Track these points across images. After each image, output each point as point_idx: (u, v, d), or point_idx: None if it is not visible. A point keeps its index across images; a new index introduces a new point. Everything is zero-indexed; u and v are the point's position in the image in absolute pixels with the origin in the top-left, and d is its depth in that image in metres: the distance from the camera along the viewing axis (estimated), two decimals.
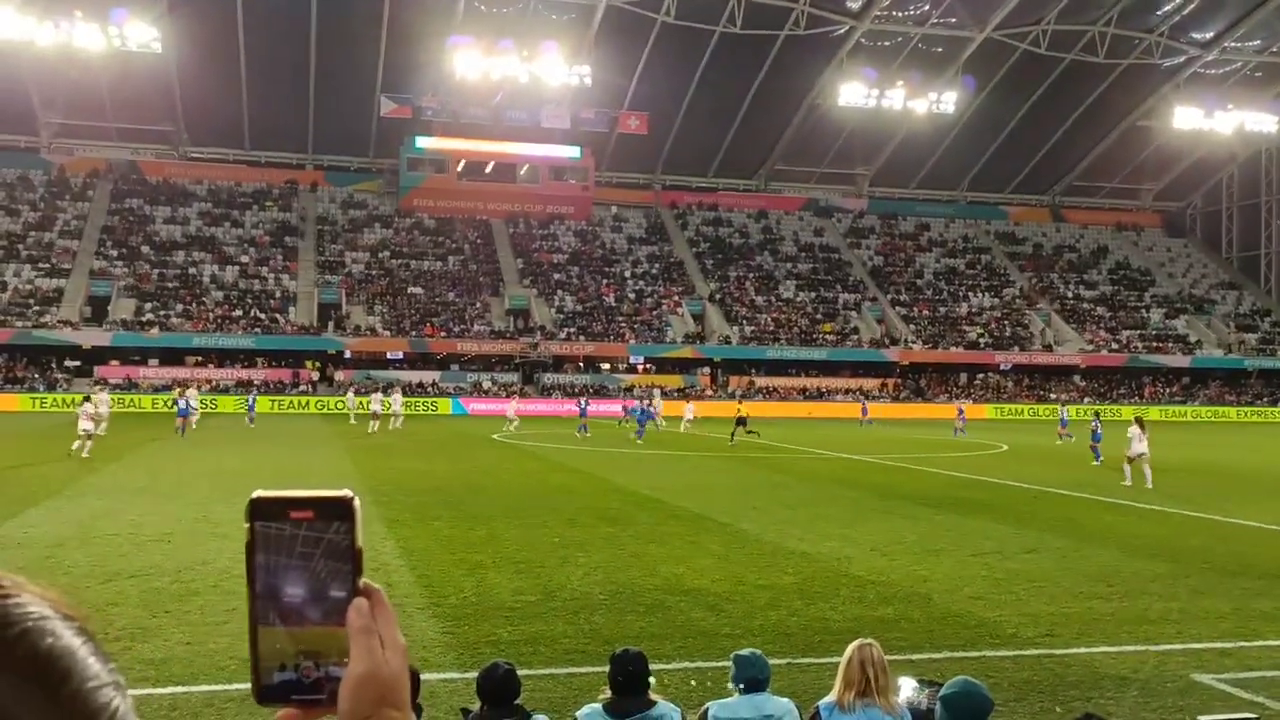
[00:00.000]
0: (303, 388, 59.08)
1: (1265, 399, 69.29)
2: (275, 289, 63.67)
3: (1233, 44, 65.99)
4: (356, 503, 1.02)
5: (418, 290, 65.50)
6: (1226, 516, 18.46)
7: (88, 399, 29.20)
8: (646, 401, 43.02)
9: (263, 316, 60.98)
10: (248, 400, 45.75)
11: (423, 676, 8.16)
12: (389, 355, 61.73)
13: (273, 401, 55.43)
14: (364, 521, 1.03)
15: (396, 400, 43.72)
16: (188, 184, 70.43)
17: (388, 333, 61.35)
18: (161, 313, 59.70)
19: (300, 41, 61.39)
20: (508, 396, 51.83)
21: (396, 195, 71.53)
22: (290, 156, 72.01)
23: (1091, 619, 10.56)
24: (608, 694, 5.17)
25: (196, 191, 70.13)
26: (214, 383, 57.52)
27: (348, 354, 61.32)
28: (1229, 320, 74.35)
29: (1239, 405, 67.68)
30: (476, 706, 5.27)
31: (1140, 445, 24.35)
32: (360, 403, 45.94)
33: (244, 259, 65.51)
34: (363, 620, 1.01)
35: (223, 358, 59.68)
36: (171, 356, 59.05)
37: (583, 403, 43.14)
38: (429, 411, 57.22)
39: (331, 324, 61.15)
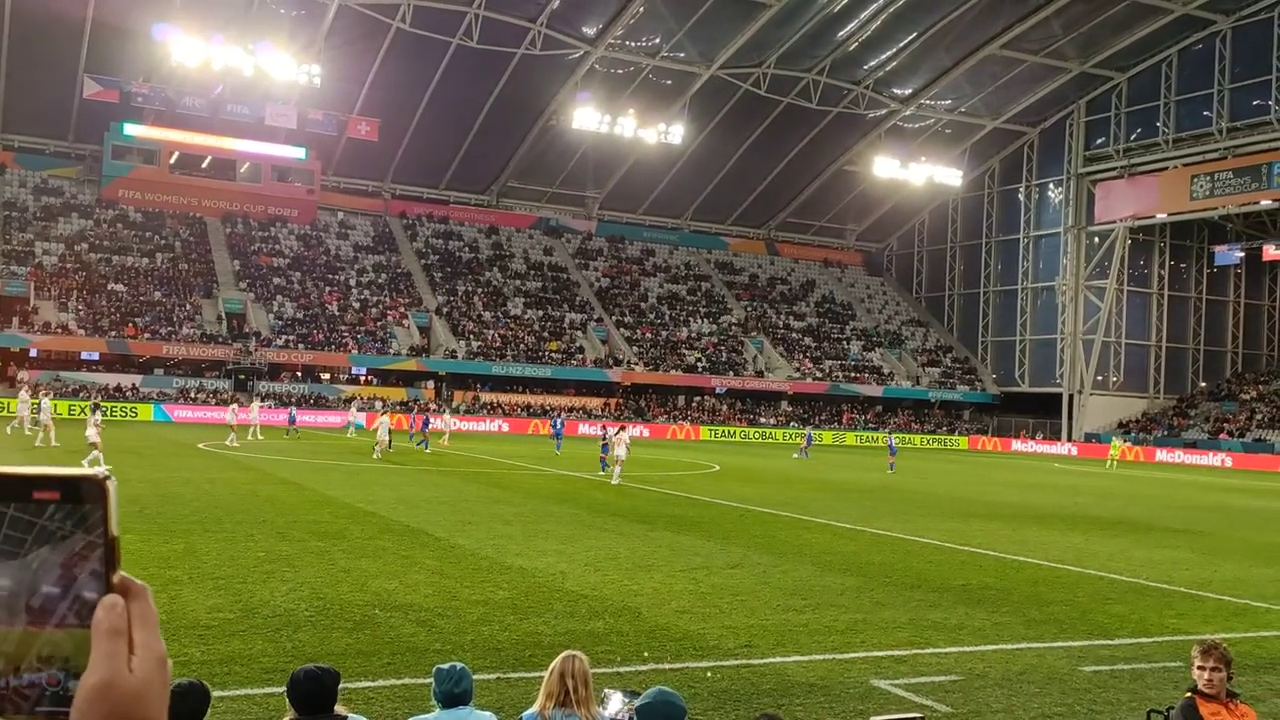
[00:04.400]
0: None
1: (945, 428, 76.06)
2: None
3: (928, 101, 72.29)
4: (111, 484, 0.88)
5: (119, 287, 60.83)
6: (907, 534, 20.08)
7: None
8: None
9: None
10: None
11: None
12: (83, 355, 56.98)
13: None
14: (118, 506, 0.89)
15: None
16: None
17: (83, 331, 56.59)
18: None
19: None
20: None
21: (99, 184, 66.14)
22: None
23: (786, 630, 11.18)
24: (292, 715, 4.95)
25: None
26: None
27: (34, 352, 56.11)
28: (917, 355, 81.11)
29: (923, 433, 73.85)
30: None
31: (621, 450, 28.72)
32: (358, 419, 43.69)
33: None
34: (111, 620, 0.85)
35: None
36: None
37: (558, 422, 45.01)
38: (128, 418, 53.22)
39: (16, 319, 55.73)
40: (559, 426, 44.83)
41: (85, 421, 38.70)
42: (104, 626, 0.85)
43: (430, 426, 42.30)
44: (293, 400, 57.85)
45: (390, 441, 35.26)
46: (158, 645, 0.88)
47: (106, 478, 0.88)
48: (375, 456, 33.83)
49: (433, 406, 60.68)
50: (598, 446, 33.28)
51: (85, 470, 0.89)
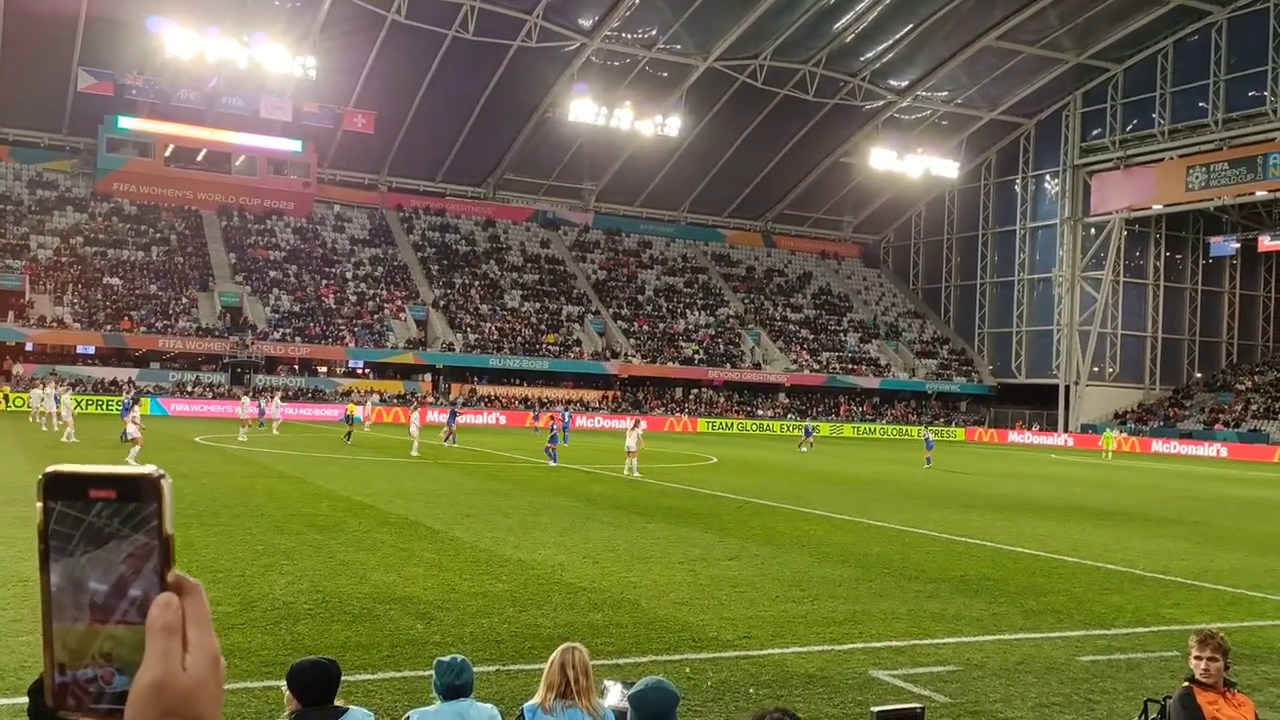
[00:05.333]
0: None
1: (942, 419, 76.12)
2: None
3: (924, 93, 72.21)
4: (166, 482, 0.89)
5: (115, 281, 60.73)
6: (904, 525, 20.11)
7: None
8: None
9: None
10: None
11: None
12: (79, 349, 56.93)
13: None
14: (174, 504, 0.90)
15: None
16: None
17: (78, 325, 56.51)
18: None
19: None
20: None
21: (93, 177, 66.00)
22: None
23: (785, 621, 11.21)
24: (293, 707, 4.96)
25: None
26: None
27: (30, 346, 56.06)
28: (913, 346, 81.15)
29: (920, 424, 73.90)
30: None
31: (632, 442, 29.03)
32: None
33: None
34: (166, 618, 0.86)
35: None
36: None
37: (565, 415, 43.66)
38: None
39: (11, 313, 55.65)
40: (565, 422, 44.67)
41: (81, 415, 38.89)
42: (158, 624, 0.85)
43: (456, 420, 42.19)
44: (279, 394, 56.61)
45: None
46: (211, 644, 0.88)
47: (161, 476, 0.88)
48: (413, 454, 33.66)
49: (430, 400, 60.75)
50: (599, 438, 33.33)
51: (140, 469, 0.89)
